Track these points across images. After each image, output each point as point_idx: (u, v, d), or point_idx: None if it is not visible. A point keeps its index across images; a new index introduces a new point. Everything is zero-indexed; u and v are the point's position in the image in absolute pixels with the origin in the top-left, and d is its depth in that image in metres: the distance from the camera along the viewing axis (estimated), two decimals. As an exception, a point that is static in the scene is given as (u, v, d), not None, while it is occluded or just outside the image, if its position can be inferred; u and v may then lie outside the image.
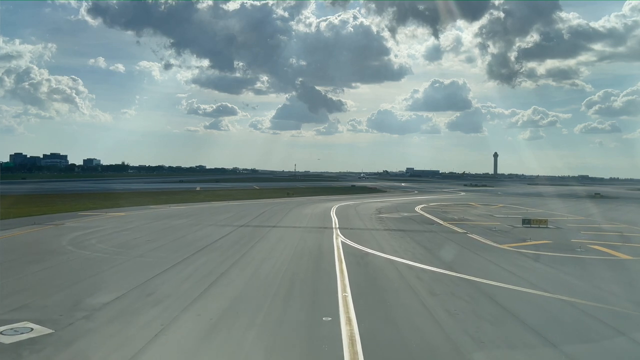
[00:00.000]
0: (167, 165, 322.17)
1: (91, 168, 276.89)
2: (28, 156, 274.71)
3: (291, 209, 40.45)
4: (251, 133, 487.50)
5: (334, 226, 27.98)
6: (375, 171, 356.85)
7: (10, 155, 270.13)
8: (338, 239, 22.26)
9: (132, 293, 11.75)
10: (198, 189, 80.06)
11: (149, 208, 39.57)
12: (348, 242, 21.40)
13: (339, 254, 18.06)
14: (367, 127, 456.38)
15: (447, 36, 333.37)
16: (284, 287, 12.76)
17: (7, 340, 8.35)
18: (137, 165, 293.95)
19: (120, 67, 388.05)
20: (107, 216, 32.16)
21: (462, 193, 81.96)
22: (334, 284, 13.19)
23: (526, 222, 30.18)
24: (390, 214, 37.10)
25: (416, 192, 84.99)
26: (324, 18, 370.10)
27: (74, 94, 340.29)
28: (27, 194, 58.85)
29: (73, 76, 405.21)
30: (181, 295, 11.67)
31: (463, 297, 11.98)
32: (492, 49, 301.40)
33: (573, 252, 19.92)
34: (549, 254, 19.41)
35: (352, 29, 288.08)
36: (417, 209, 43.34)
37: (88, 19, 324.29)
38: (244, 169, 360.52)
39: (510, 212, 41.28)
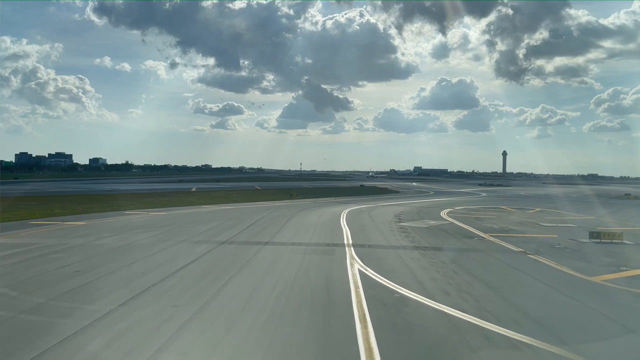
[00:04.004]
0: (172, 165, 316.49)
1: (94, 167, 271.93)
2: (33, 155, 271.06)
3: (293, 216, 33.67)
4: (257, 132, 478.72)
5: (346, 242, 21.24)
6: (382, 170, 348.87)
7: (16, 155, 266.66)
8: (354, 267, 15.51)
9: None
10: (193, 189, 73.38)
11: (123, 214, 33.03)
12: (369, 272, 14.64)
13: (359, 302, 11.31)
14: (374, 125, 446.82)
15: (454, 34, 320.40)
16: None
17: None
18: (142, 164, 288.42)
19: (127, 67, 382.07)
20: (59, 226, 25.67)
21: (484, 194, 74.44)
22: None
23: (595, 235, 23.44)
24: (414, 222, 30.20)
25: (432, 192, 77.75)
26: (330, 16, 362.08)
27: (80, 94, 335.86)
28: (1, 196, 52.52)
29: (80, 76, 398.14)
30: None
31: None
32: (500, 46, 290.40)
33: None
34: (684, 297, 12.54)
35: (358, 27, 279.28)
36: (443, 214, 36.39)
37: (94, 18, 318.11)
38: (250, 168, 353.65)
39: (555, 219, 34.33)
